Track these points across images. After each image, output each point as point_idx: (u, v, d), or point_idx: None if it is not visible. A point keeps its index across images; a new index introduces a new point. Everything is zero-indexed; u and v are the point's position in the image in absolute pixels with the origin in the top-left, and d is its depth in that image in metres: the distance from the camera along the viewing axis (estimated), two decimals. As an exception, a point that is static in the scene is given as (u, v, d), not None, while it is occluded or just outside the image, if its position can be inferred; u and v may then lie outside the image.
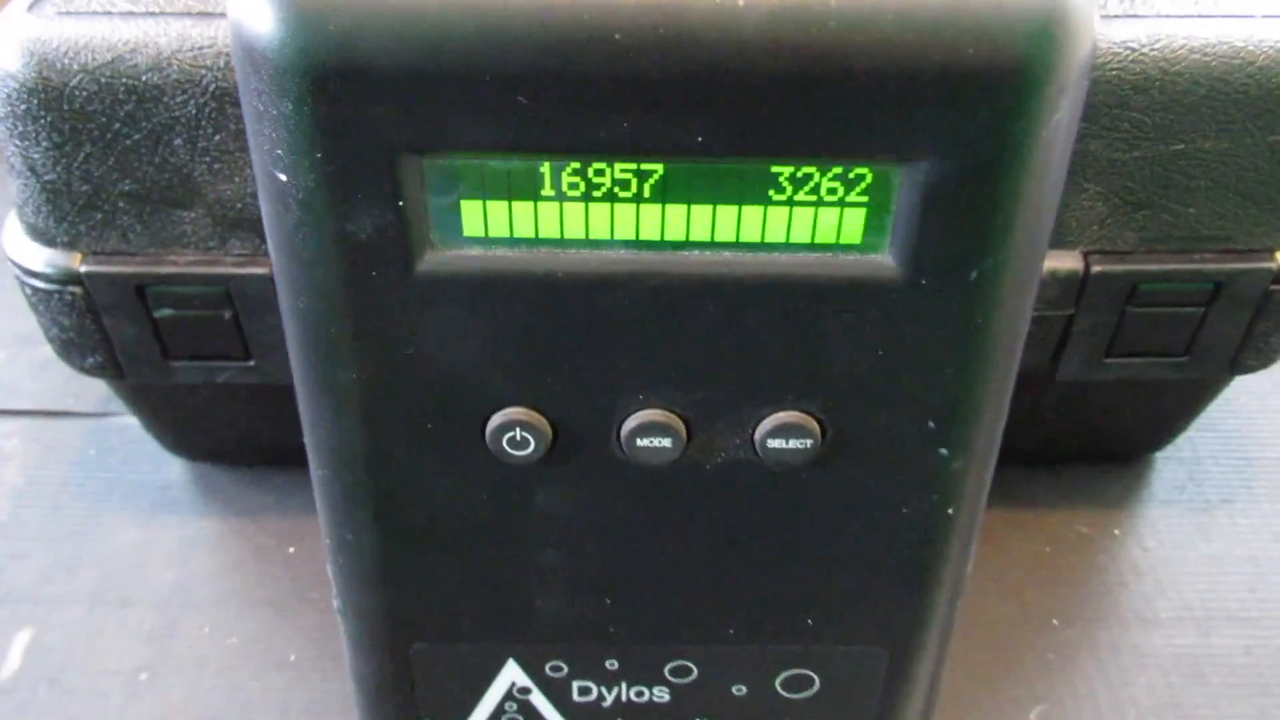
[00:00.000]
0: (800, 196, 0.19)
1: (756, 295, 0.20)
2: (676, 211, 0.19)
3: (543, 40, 0.17)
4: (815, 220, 0.19)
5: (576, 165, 0.19)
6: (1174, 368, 0.35)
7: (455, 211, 0.19)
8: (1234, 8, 0.31)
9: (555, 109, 0.17)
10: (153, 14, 0.30)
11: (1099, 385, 0.36)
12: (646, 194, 0.19)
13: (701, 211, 0.19)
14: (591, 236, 0.19)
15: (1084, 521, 0.40)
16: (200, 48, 0.29)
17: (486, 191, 0.19)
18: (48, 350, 0.44)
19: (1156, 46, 0.30)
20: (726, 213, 0.19)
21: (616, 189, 0.19)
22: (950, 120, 0.17)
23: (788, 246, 0.19)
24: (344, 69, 0.17)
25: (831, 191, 0.19)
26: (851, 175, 0.19)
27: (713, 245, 0.19)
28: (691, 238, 0.19)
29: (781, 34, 0.17)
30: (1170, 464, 0.42)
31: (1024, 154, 0.18)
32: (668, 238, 0.19)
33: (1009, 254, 0.19)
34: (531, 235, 0.19)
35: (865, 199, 0.19)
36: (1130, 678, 0.35)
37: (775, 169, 0.18)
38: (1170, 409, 0.40)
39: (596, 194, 0.19)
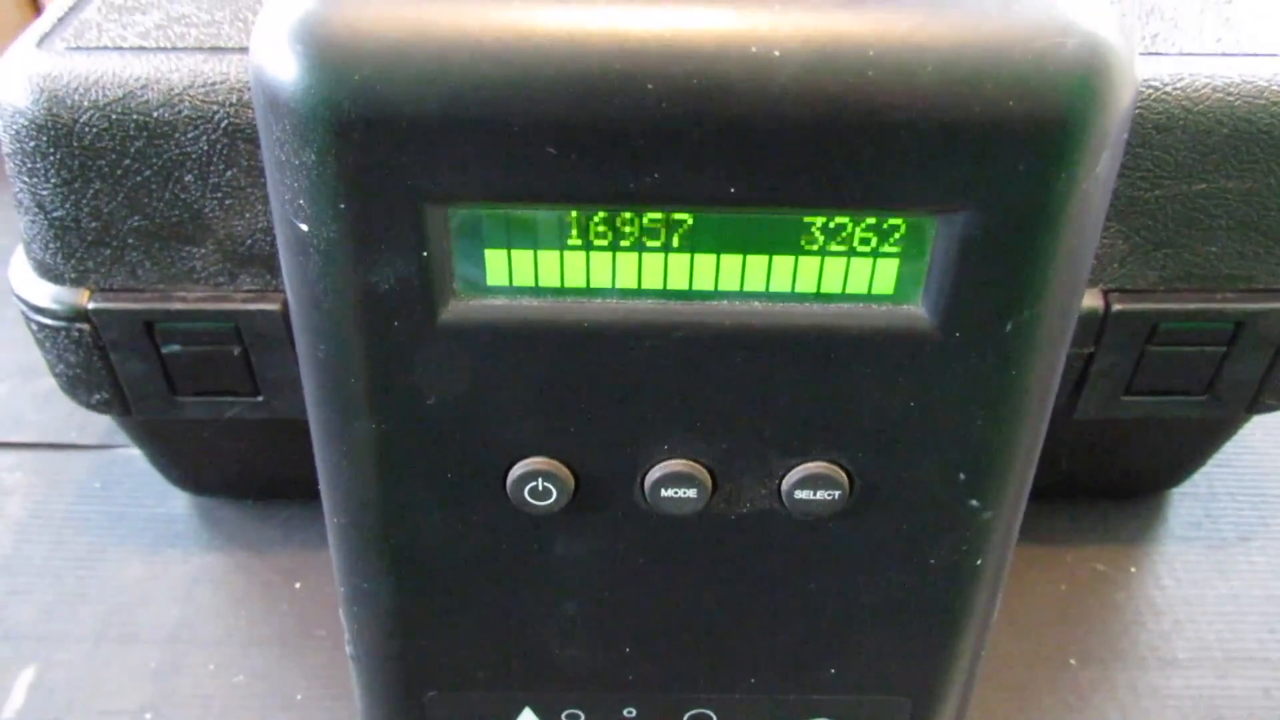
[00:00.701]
0: (833, 246, 0.18)
1: (786, 346, 0.19)
2: (705, 261, 0.19)
3: (573, 90, 0.17)
4: (847, 270, 0.19)
5: (604, 214, 0.18)
6: (1193, 407, 0.35)
7: (479, 261, 0.19)
8: (1258, 46, 0.31)
9: (584, 159, 0.17)
10: (164, 49, 0.30)
11: (1117, 422, 0.36)
12: (675, 243, 0.19)
13: (731, 261, 0.19)
14: (618, 286, 0.19)
15: (1100, 559, 0.40)
16: (212, 84, 0.29)
17: (511, 240, 0.19)
18: (52, 382, 0.43)
19: (1180, 85, 0.29)
20: (756, 262, 0.19)
21: (644, 238, 0.18)
22: (988, 173, 0.17)
23: (819, 297, 0.19)
24: (369, 118, 0.17)
25: (865, 242, 0.18)
26: (886, 226, 0.18)
27: (742, 295, 0.19)
28: (720, 287, 0.19)
29: (817, 84, 0.16)
30: (1186, 500, 0.42)
31: (1063, 207, 0.18)
32: (696, 287, 0.19)
33: (1044, 306, 0.19)
34: (557, 285, 0.19)
35: (899, 249, 0.18)
36: (1149, 720, 0.35)
37: (808, 219, 0.18)
38: (1187, 446, 0.39)
39: (624, 243, 0.19)
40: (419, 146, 0.17)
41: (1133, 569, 0.40)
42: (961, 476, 0.21)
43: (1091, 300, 0.32)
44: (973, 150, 0.17)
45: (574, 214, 0.18)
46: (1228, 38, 0.31)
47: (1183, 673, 0.36)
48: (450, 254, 0.18)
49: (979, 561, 0.22)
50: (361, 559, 0.22)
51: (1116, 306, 0.32)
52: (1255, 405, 0.35)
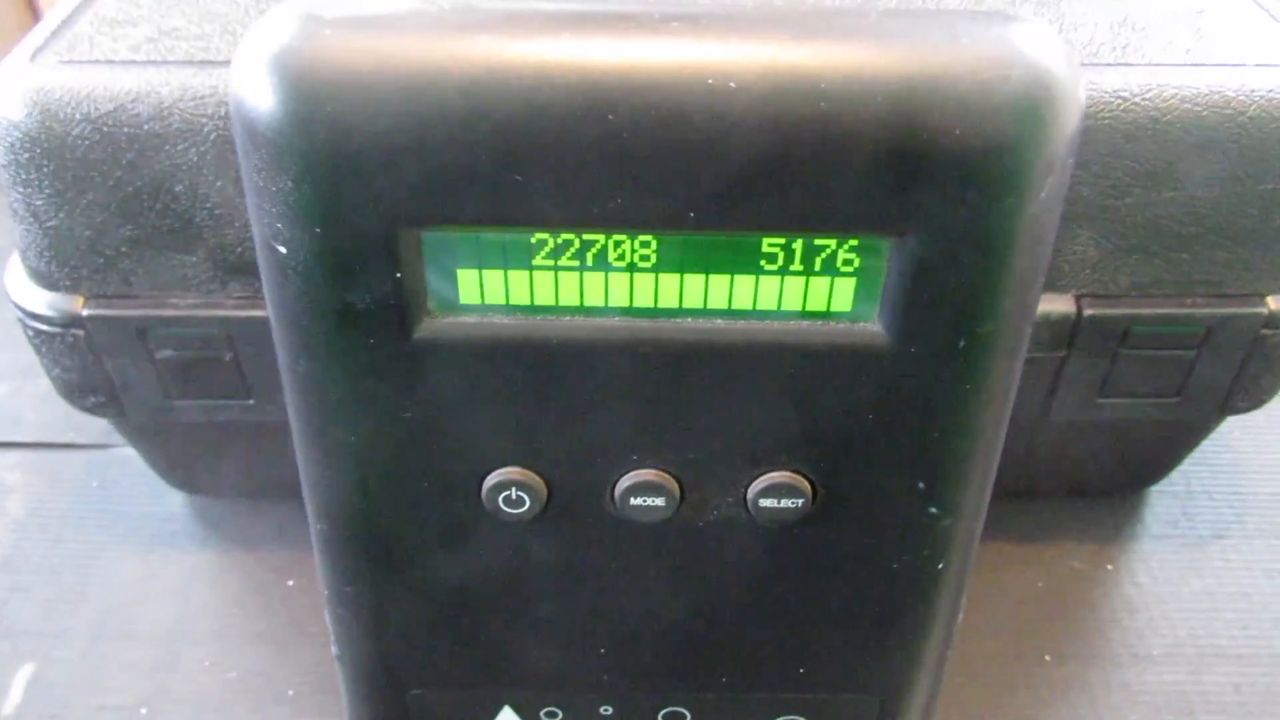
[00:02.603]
0: (792, 267, 0.19)
1: (749, 361, 0.20)
2: (670, 280, 0.19)
3: (537, 120, 0.17)
4: (806, 289, 0.19)
5: (571, 236, 0.19)
6: (1166, 409, 0.35)
7: (452, 280, 0.19)
8: (1226, 56, 0.31)
9: (550, 185, 0.18)
10: (154, 63, 0.30)
11: (1092, 423, 0.37)
12: (640, 263, 0.19)
13: (695, 280, 0.19)
14: (586, 304, 0.20)
15: (1077, 556, 0.41)
16: (201, 97, 0.30)
17: (482, 261, 0.19)
18: (49, 383, 0.44)
19: (1148, 96, 0.30)
20: (719, 281, 0.19)
21: (611, 258, 0.19)
22: (939, 197, 0.18)
23: (779, 314, 0.20)
24: (342, 147, 0.17)
25: (823, 262, 0.19)
26: (842, 247, 0.19)
27: (705, 313, 0.20)
28: (685, 305, 0.20)
29: (772, 114, 0.17)
30: (1164, 498, 0.43)
31: (1011, 229, 0.18)
32: (661, 305, 0.20)
33: (997, 323, 0.19)
34: (527, 303, 0.20)
35: (856, 270, 0.19)
36: (1122, 715, 0.35)
37: (767, 242, 0.19)
38: (1163, 446, 0.40)
39: (591, 263, 0.19)
40: (391, 174, 0.18)
41: (1109, 566, 0.40)
42: (920, 485, 0.22)
43: (1064, 305, 0.33)
44: (923, 177, 0.18)
45: (542, 236, 0.19)
46: (1197, 48, 0.32)
47: (1156, 669, 0.37)
48: (423, 274, 0.19)
49: (940, 565, 0.23)
50: (343, 564, 0.23)
51: (1088, 311, 0.33)
52: (1226, 407, 0.36)
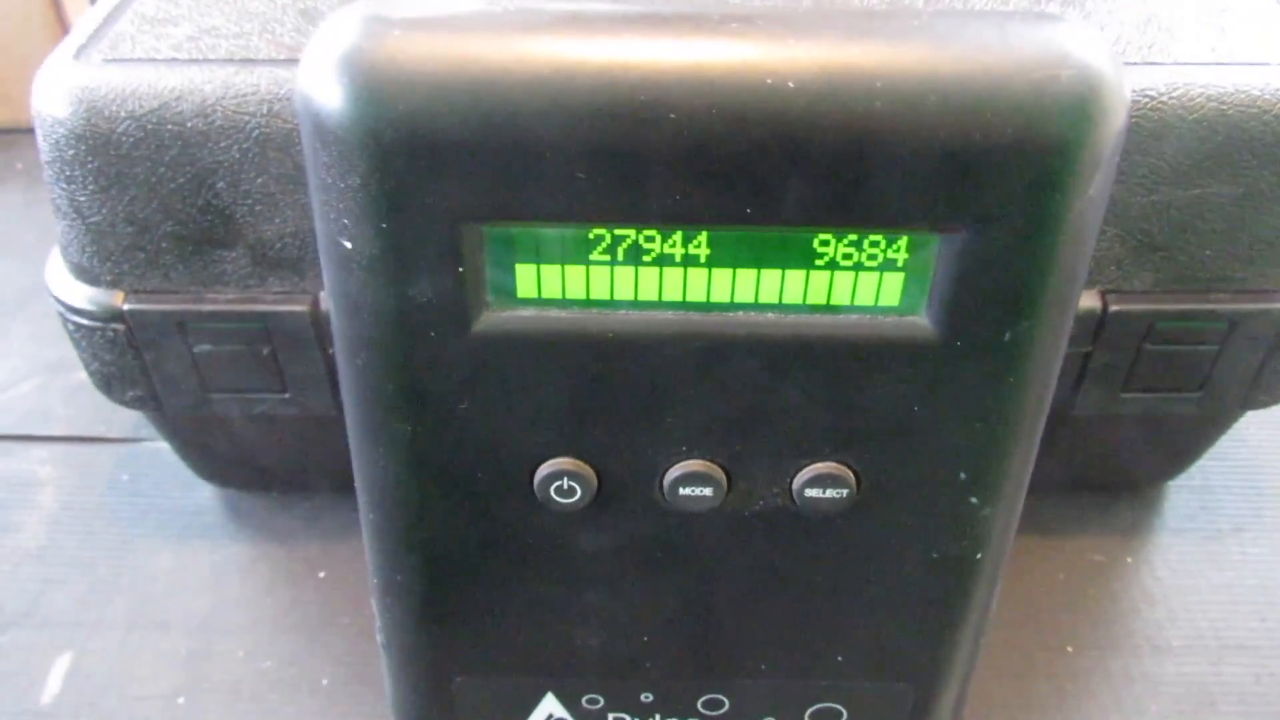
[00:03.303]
0: (842, 262, 0.20)
1: (797, 354, 0.21)
2: (722, 275, 0.20)
3: (599, 118, 0.18)
4: (855, 284, 0.20)
5: (628, 232, 0.19)
6: (1188, 403, 0.36)
7: (511, 274, 0.20)
8: (1251, 54, 0.32)
9: (610, 182, 0.18)
10: (196, 61, 0.31)
11: (1115, 418, 0.37)
12: (694, 259, 0.20)
13: (746, 275, 0.20)
14: (640, 298, 0.20)
15: (1098, 549, 0.41)
16: (243, 95, 0.30)
17: (541, 256, 0.20)
18: (79, 376, 0.45)
19: (1175, 95, 0.31)
20: (770, 276, 0.20)
21: (666, 254, 0.20)
22: (988, 194, 0.18)
23: (829, 308, 0.20)
24: (411, 145, 0.18)
25: (872, 257, 0.20)
26: (892, 243, 0.19)
27: (757, 307, 0.20)
28: (736, 300, 0.20)
29: (828, 113, 0.18)
30: (1183, 493, 0.43)
31: (1058, 226, 0.19)
32: (714, 299, 0.20)
33: (1041, 317, 0.20)
34: (583, 297, 0.20)
35: (904, 265, 0.20)
36: (1143, 705, 0.36)
37: (819, 237, 0.19)
38: (1183, 441, 0.41)
39: (646, 259, 0.20)
40: (456, 171, 0.18)
41: (1129, 559, 0.41)
42: (962, 475, 0.22)
43: (1090, 301, 0.33)
44: (973, 174, 0.18)
45: (600, 231, 0.19)
46: (1222, 46, 0.32)
47: (1176, 660, 0.37)
48: (483, 269, 0.20)
49: (979, 555, 0.23)
50: (395, 553, 0.24)
51: (1114, 307, 0.33)
52: (1249, 401, 0.36)
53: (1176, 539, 0.42)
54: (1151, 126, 0.31)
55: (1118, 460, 0.41)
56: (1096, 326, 0.34)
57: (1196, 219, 0.32)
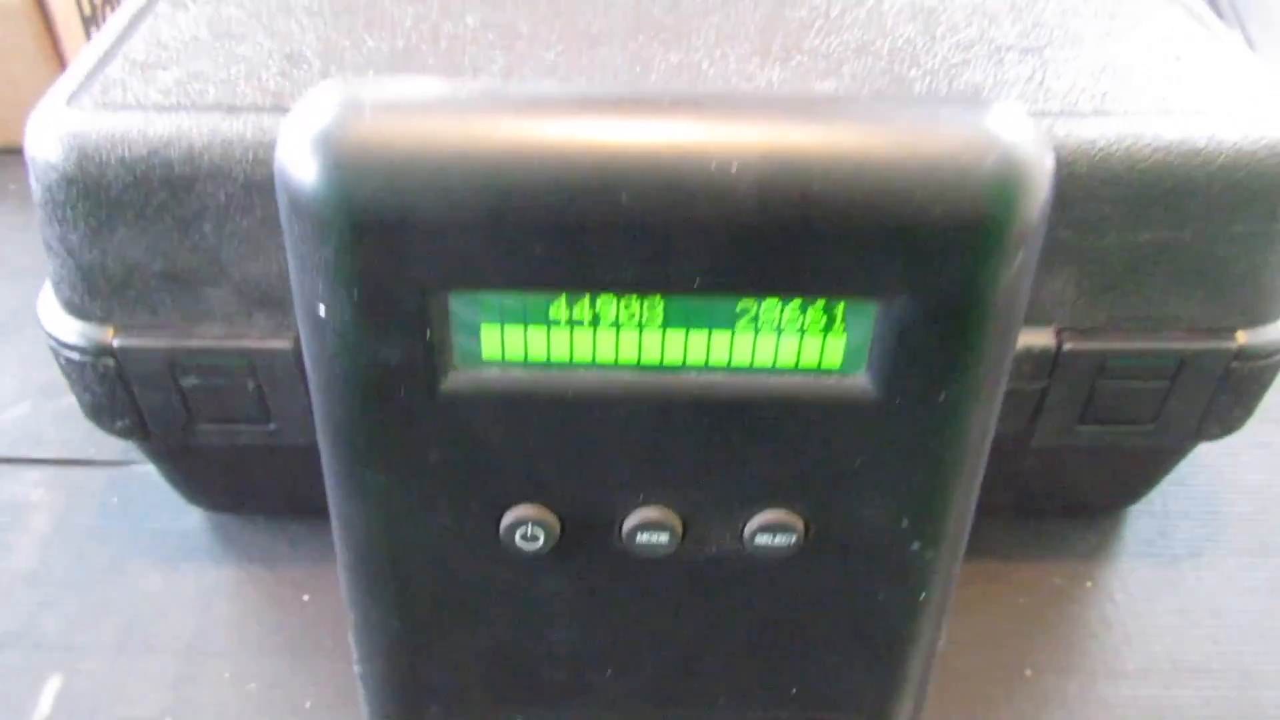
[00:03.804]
0: (787, 326, 0.21)
1: (747, 411, 0.22)
2: (675, 337, 0.21)
3: (557, 196, 0.19)
4: (800, 346, 0.21)
5: (585, 299, 0.21)
6: (1142, 435, 0.37)
7: (476, 337, 0.21)
8: (1199, 105, 0.33)
9: (568, 254, 0.20)
10: (184, 108, 0.32)
11: (1073, 448, 0.39)
12: (648, 322, 0.21)
13: (698, 337, 0.21)
14: (598, 359, 0.21)
15: (1059, 574, 0.42)
16: (230, 141, 0.31)
17: (504, 319, 0.21)
18: (70, 400, 0.46)
19: (1123, 146, 0.32)
20: (720, 338, 0.21)
21: (621, 318, 0.21)
22: (921, 267, 0.20)
23: (775, 369, 0.22)
24: (381, 221, 0.19)
25: (815, 322, 0.21)
26: (833, 309, 0.21)
27: (708, 368, 0.22)
28: (688, 361, 0.22)
29: (771, 194, 0.19)
30: (1142, 518, 0.45)
31: (987, 294, 0.20)
32: (667, 361, 0.22)
33: (974, 378, 0.21)
34: (544, 358, 0.21)
35: (845, 329, 0.21)
36: (1099, 727, 0.37)
37: (765, 304, 0.21)
38: (1141, 469, 0.42)
39: (603, 323, 0.21)
40: (424, 244, 0.19)
41: (1089, 583, 0.42)
42: (904, 522, 0.23)
43: (1045, 339, 0.35)
44: (907, 249, 0.19)
45: (559, 298, 0.21)
46: (1172, 96, 0.34)
47: (1130, 683, 0.39)
48: (450, 333, 0.21)
49: (922, 595, 0.25)
50: (370, 591, 0.25)
51: (1068, 345, 0.35)
52: (1200, 433, 0.38)
53: (1135, 563, 0.43)
54: (1101, 175, 0.32)
55: (1078, 487, 0.43)
56: (1052, 363, 0.35)
57: (1146, 262, 0.33)
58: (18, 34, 0.59)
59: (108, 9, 0.64)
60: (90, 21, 0.62)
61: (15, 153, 0.62)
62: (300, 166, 0.19)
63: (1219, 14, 0.75)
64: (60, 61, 0.60)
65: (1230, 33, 0.37)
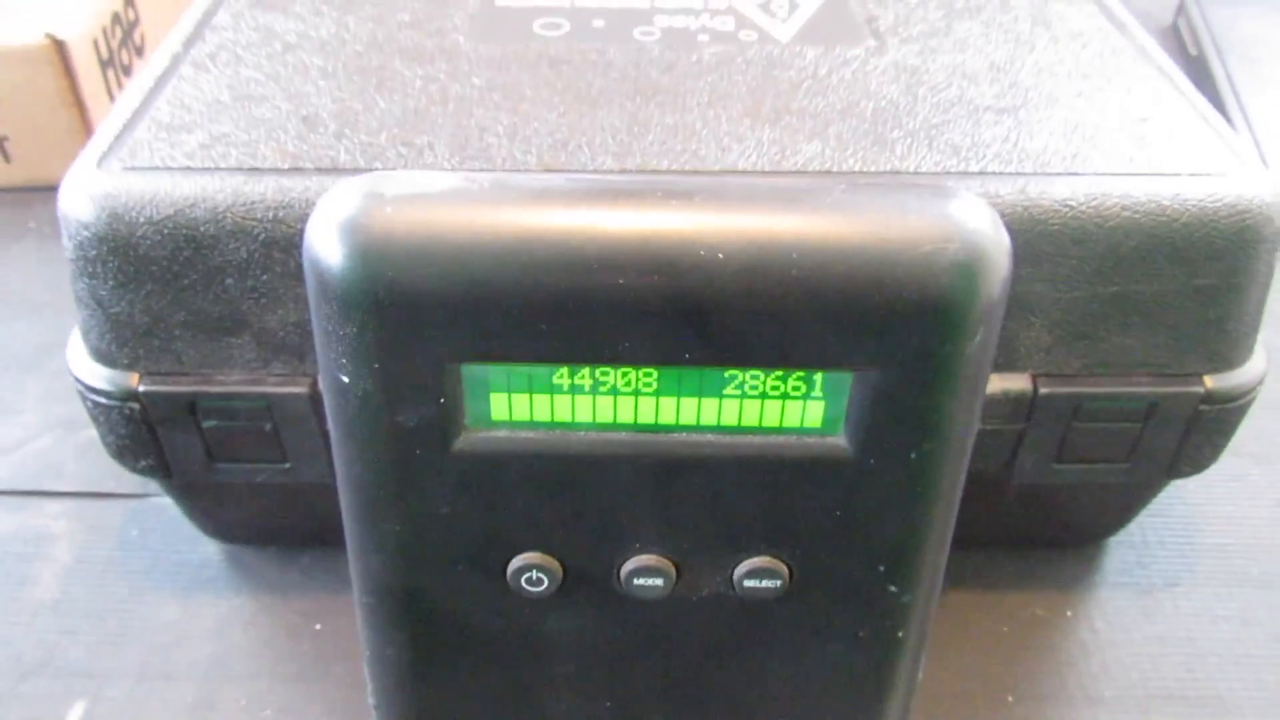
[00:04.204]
0: (771, 393, 0.23)
1: (735, 467, 0.24)
2: (669, 402, 0.23)
3: (561, 280, 0.21)
4: (783, 410, 0.23)
5: (586, 369, 0.23)
6: (1116, 473, 0.39)
7: (486, 402, 0.23)
8: (1165, 165, 0.35)
9: (570, 331, 0.22)
10: (209, 169, 0.34)
11: (1051, 485, 0.40)
12: (644, 389, 0.23)
13: (689, 402, 0.23)
14: (598, 420, 0.23)
15: (1039, 603, 0.44)
16: (251, 202, 0.33)
17: (512, 386, 0.23)
18: (90, 434, 0.48)
19: (1092, 205, 0.34)
20: (710, 403, 0.23)
21: (619, 385, 0.23)
22: (890, 342, 0.22)
23: (760, 429, 0.24)
24: (400, 301, 0.21)
25: (796, 389, 0.23)
26: (812, 378, 0.23)
27: (699, 429, 0.24)
28: (681, 422, 0.23)
29: (753, 278, 0.21)
30: (1121, 548, 0.46)
31: (952, 366, 0.22)
32: (661, 422, 0.23)
33: (942, 440, 0.23)
34: (548, 420, 0.23)
35: (824, 395, 0.23)
36: (1076, 752, 0.39)
37: (749, 373, 0.23)
38: (1117, 504, 0.44)
39: (603, 389, 0.23)
40: (439, 321, 0.21)
41: (1069, 612, 0.44)
42: (881, 568, 0.25)
43: (1021, 384, 0.37)
44: (879, 325, 0.21)
45: (562, 369, 0.23)
46: (1139, 156, 0.36)
47: (1108, 710, 0.40)
48: (462, 399, 0.23)
49: (900, 634, 0.27)
50: (384, 630, 0.27)
51: (1043, 390, 0.37)
52: (1173, 471, 0.40)
53: (1113, 593, 0.45)
54: (1072, 232, 0.34)
55: (1057, 521, 0.45)
56: (1029, 406, 0.37)
57: (1116, 312, 0.35)
58: (37, 76, 0.61)
59: (124, 52, 0.66)
60: (108, 64, 0.64)
61: (35, 190, 0.65)
62: (328, 251, 0.21)
63: (1199, 47, 0.77)
64: (79, 104, 0.62)
65: (1197, 93, 0.39)
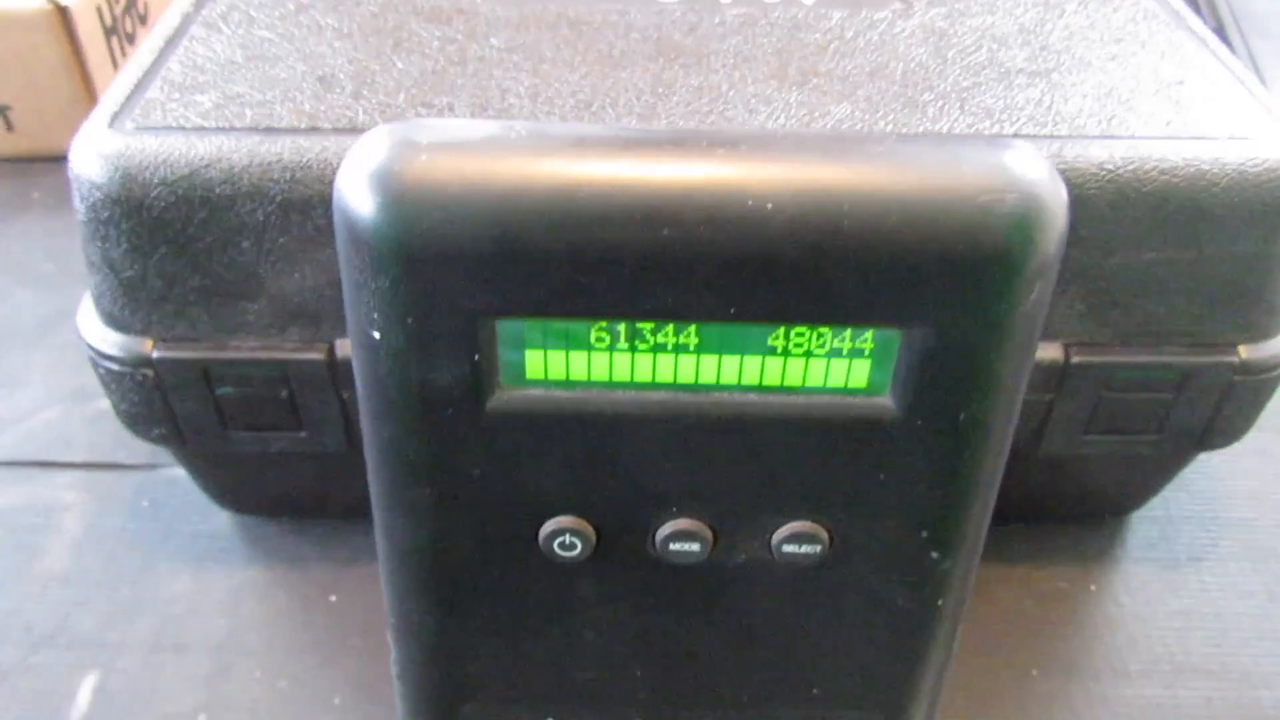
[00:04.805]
0: (816, 351, 0.22)
1: (776, 429, 0.23)
2: (709, 360, 0.22)
3: (601, 231, 0.20)
4: (828, 369, 0.22)
5: (625, 325, 0.22)
6: (1147, 445, 0.39)
7: (521, 360, 0.22)
8: (1202, 129, 0.34)
9: (610, 284, 0.21)
10: (223, 130, 0.33)
11: (1079, 457, 0.40)
12: (684, 347, 0.22)
13: (730, 360, 0.22)
14: (636, 380, 0.23)
15: (1064, 577, 0.44)
16: (267, 163, 0.32)
17: (548, 343, 0.22)
18: (100, 404, 0.47)
19: (1130, 169, 0.33)
20: (752, 362, 0.22)
21: (659, 342, 0.22)
22: (943, 298, 0.21)
23: (804, 389, 0.23)
24: (434, 253, 0.20)
25: (841, 347, 0.22)
26: (859, 336, 0.22)
27: (740, 388, 0.23)
28: (721, 382, 0.23)
29: (802, 230, 0.20)
30: (1145, 523, 0.46)
31: (1004, 325, 0.21)
32: (701, 381, 0.23)
33: (992, 401, 0.22)
34: (585, 378, 0.23)
35: (871, 354, 0.22)
36: (1103, 727, 0.39)
37: (795, 330, 0.22)
38: (1144, 477, 0.43)
39: (641, 346, 0.22)
40: (473, 274, 0.21)
41: (1093, 587, 0.43)
42: (923, 534, 0.25)
43: (1053, 353, 0.36)
44: (930, 281, 0.21)
45: (600, 326, 0.22)
46: (1176, 120, 0.35)
47: (1134, 684, 0.40)
48: (496, 356, 0.22)
49: (940, 602, 0.26)
50: (411, 596, 0.26)
51: (1075, 359, 0.36)
52: (1203, 443, 0.39)
53: (1138, 567, 0.44)
54: (1109, 197, 0.33)
55: (1083, 494, 0.44)
56: (1060, 376, 0.36)
57: (1151, 279, 0.35)
58: (40, 44, 0.60)
59: (128, 20, 0.65)
60: (111, 32, 0.63)
61: (40, 160, 0.64)
62: (358, 202, 0.20)
63: (1221, 27, 0.76)
64: (83, 72, 0.61)
65: (1233, 57, 0.39)
